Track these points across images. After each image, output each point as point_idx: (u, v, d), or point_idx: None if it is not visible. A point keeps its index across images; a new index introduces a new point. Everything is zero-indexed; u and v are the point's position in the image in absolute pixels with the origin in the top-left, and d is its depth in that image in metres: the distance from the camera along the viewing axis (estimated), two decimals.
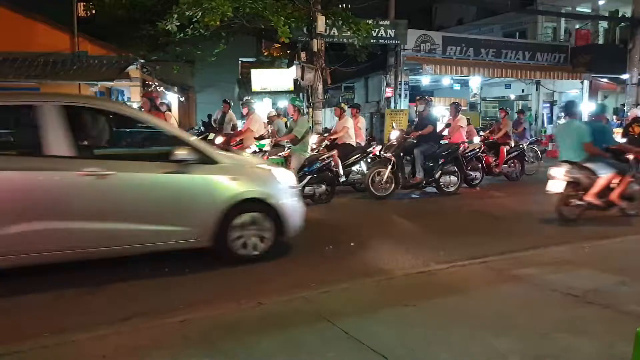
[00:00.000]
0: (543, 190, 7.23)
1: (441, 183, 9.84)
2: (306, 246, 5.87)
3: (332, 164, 9.10)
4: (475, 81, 21.40)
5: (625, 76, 19.59)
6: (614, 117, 19.07)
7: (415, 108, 11.27)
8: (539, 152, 14.27)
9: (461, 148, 10.44)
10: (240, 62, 26.07)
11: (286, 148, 9.26)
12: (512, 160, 11.99)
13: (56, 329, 3.48)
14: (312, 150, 9.65)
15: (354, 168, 10.06)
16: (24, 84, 14.61)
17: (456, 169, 9.99)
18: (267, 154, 8.86)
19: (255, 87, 22.84)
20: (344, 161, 9.74)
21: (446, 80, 21.14)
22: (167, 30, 12.99)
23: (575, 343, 3.19)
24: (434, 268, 4.86)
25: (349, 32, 14.59)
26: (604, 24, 22.79)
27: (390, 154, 9.46)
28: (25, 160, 4.41)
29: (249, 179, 5.16)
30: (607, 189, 6.96)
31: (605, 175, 6.84)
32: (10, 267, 4.29)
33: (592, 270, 4.77)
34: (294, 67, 17.16)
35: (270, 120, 14.06)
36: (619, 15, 21.44)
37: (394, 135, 10.24)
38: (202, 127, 18.76)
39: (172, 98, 21.61)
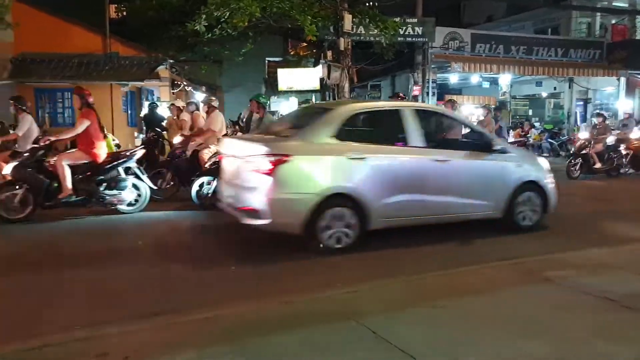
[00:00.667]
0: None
1: None
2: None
3: None
4: (505, 79, 21.00)
5: None
6: None
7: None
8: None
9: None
10: (267, 61, 26.18)
11: None
12: None
13: (85, 323, 3.55)
14: None
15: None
16: (60, 85, 15.02)
17: None
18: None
19: (281, 86, 22.91)
20: None
21: (475, 78, 20.80)
22: (196, 30, 13.16)
23: (612, 349, 3.09)
24: (463, 269, 4.78)
25: (375, 31, 14.50)
26: None
27: None
28: (400, 150, 5.88)
29: (528, 165, 6.61)
30: None
31: None
32: (387, 228, 5.70)
33: (630, 274, 4.62)
34: (320, 66, 17.12)
35: None
36: None
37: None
38: (229, 126, 18.87)
39: (200, 98, 21.85)
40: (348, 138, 5.61)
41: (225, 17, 12.35)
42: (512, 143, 13.21)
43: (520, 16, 22.85)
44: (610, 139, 13.07)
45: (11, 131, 9.24)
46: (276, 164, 5.13)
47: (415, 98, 18.32)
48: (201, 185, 8.01)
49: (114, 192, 7.41)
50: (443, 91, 20.05)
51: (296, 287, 4.42)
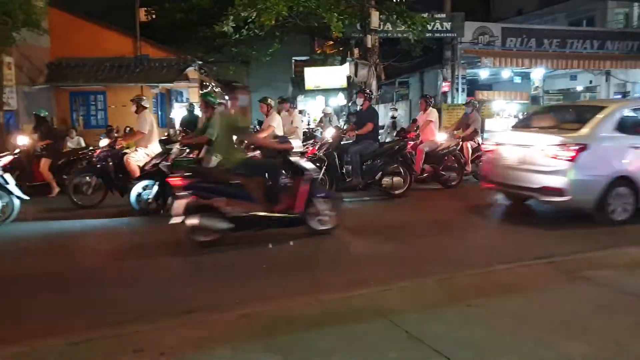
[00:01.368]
0: None
1: (383, 185, 8.88)
2: (360, 245, 5.86)
3: None
4: (537, 73, 20.52)
5: None
6: None
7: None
8: None
9: (430, 145, 9.78)
10: (293, 61, 26.26)
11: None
12: (479, 159, 10.41)
13: (121, 320, 3.62)
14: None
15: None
16: (93, 88, 15.41)
17: (402, 170, 8.93)
18: (172, 155, 7.45)
19: (308, 85, 22.91)
20: None
21: (506, 73, 20.38)
22: (224, 31, 13.31)
23: None
24: (497, 268, 4.68)
25: (403, 27, 14.38)
26: None
27: (322, 154, 8.66)
28: None
29: None
30: None
31: None
32: None
33: None
34: (347, 64, 17.10)
35: (325, 116, 14.22)
36: None
37: (328, 133, 9.45)
38: (257, 126, 19.04)
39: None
40: (626, 130, 6.60)
41: (253, 17, 12.46)
42: None
43: (553, 8, 22.30)
44: None
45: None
46: (578, 151, 6.26)
47: (444, 94, 18.11)
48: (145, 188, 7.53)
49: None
50: (473, 87, 19.72)
51: (327, 285, 4.40)
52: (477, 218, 7.70)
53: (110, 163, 8.15)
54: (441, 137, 10.47)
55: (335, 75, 21.24)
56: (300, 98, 25.95)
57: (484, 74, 20.00)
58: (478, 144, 10.88)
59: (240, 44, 17.68)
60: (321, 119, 15.88)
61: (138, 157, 8.06)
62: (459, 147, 10.27)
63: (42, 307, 4.03)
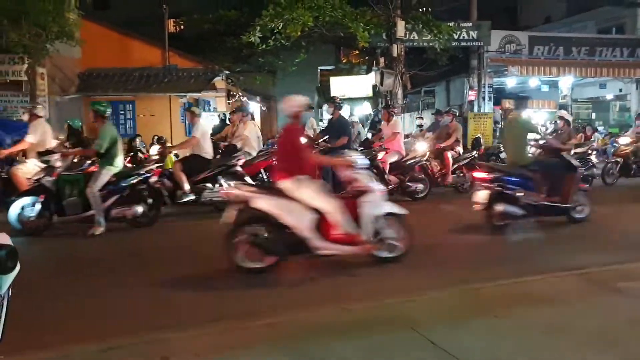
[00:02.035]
0: None
1: None
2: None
3: (155, 179, 7.45)
4: (565, 82, 20.20)
5: None
6: None
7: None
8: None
9: (396, 157, 9.38)
10: (319, 70, 26.41)
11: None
12: (460, 170, 10.40)
13: (148, 327, 3.67)
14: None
15: (211, 185, 8.19)
16: (122, 97, 15.75)
17: None
18: (57, 169, 6.89)
19: (334, 94, 23.01)
20: (195, 176, 8.12)
21: (533, 82, 20.12)
22: (250, 42, 13.50)
23: None
24: (526, 279, 4.60)
25: (429, 36, 14.35)
26: None
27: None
28: None
29: None
30: None
31: None
32: None
33: None
34: (372, 73, 17.12)
35: (352, 126, 14.25)
36: None
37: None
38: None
39: (255, 107, 22.32)
40: None
41: (279, 28, 12.61)
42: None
43: (581, 16, 21.95)
44: None
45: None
46: None
47: (470, 103, 17.96)
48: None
49: None
50: (500, 96, 19.52)
51: (353, 294, 4.39)
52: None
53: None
54: (422, 147, 10.16)
55: (361, 84, 21.30)
56: (325, 107, 26.05)
57: (511, 82, 19.78)
58: (459, 154, 10.54)
59: (266, 54, 17.89)
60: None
61: (27, 169, 7.47)
62: (425, 157, 9.85)
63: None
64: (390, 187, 9.12)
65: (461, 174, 10.43)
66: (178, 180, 7.93)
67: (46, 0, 11.19)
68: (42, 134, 7.79)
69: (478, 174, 7.06)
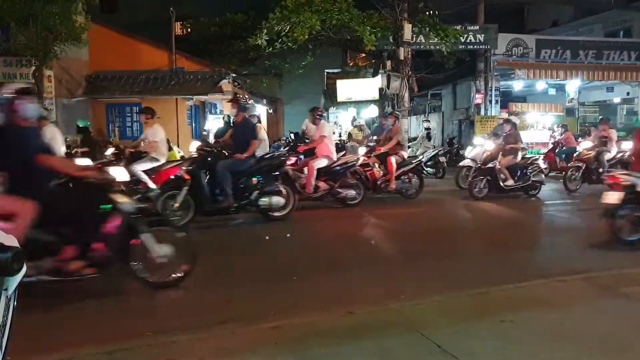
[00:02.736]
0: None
1: (260, 205, 7.66)
2: (393, 258, 5.80)
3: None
4: (572, 85, 20.13)
5: None
6: None
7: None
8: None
9: (325, 162, 8.84)
10: (326, 73, 26.46)
11: None
12: (405, 175, 9.98)
13: (154, 329, 3.67)
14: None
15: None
16: (129, 100, 15.83)
17: (284, 188, 7.84)
18: None
19: (340, 97, 23.04)
20: None
21: (540, 85, 20.06)
22: (257, 45, 13.54)
23: None
24: (531, 283, 4.57)
25: (436, 39, 14.35)
26: None
27: (183, 172, 7.47)
28: None
29: None
30: None
31: None
32: None
33: None
34: (379, 76, 17.13)
35: (360, 128, 14.40)
36: None
37: (193, 146, 8.00)
38: (289, 137, 19.21)
39: (262, 110, 22.38)
40: None
41: (286, 31, 12.63)
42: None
43: (589, 19, 21.88)
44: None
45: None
46: None
47: (477, 106, 17.93)
48: None
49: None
50: (507, 99, 19.47)
51: (357, 298, 4.38)
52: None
53: None
54: (359, 152, 9.95)
55: (368, 87, 21.32)
56: (332, 110, 26.10)
57: (518, 85, 19.74)
58: (403, 158, 10.05)
59: (273, 57, 17.92)
60: (349, 133, 16.00)
61: None
62: (359, 162, 9.43)
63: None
64: (319, 193, 8.82)
65: (407, 180, 10.02)
66: None
67: (54, 3, 11.27)
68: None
69: (612, 177, 6.25)
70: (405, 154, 10.56)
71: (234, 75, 17.69)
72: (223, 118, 16.19)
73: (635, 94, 20.98)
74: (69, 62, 14.15)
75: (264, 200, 7.62)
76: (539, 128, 17.57)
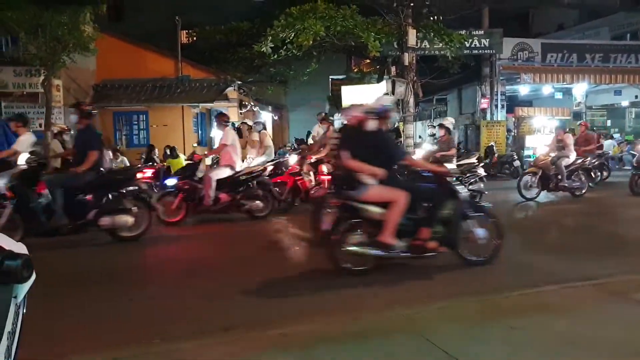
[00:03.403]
0: None
1: (100, 225, 6.64)
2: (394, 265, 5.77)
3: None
4: (579, 89, 20.06)
5: None
6: None
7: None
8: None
9: (227, 171, 8.36)
10: (330, 79, 26.50)
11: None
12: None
13: (159, 336, 3.66)
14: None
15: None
16: (135, 108, 15.94)
17: (133, 206, 6.79)
18: None
19: (345, 103, 23.01)
20: None
21: (546, 89, 20.01)
22: (262, 52, 13.59)
23: None
24: (542, 289, 4.53)
25: (441, 44, 14.35)
26: None
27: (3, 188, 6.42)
28: None
29: None
30: None
31: None
32: None
33: None
34: (384, 81, 17.13)
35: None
36: None
37: (22, 158, 6.76)
38: (294, 144, 19.23)
39: (267, 117, 22.45)
40: None
41: (291, 37, 12.68)
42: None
43: (595, 22, 21.83)
44: None
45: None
46: None
47: (483, 111, 17.89)
48: None
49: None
50: (512, 103, 19.43)
51: (364, 304, 4.36)
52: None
53: None
54: (259, 160, 9.54)
55: (372, 93, 21.20)
56: (337, 116, 26.13)
57: (523, 90, 19.71)
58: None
59: (278, 64, 18.01)
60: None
61: None
62: (265, 171, 8.89)
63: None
64: (219, 205, 8.27)
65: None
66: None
67: (62, 14, 11.40)
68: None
69: None
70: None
71: (239, 82, 17.79)
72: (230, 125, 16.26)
73: None
74: (77, 72, 14.28)
75: (106, 220, 6.64)
76: (545, 132, 17.49)
